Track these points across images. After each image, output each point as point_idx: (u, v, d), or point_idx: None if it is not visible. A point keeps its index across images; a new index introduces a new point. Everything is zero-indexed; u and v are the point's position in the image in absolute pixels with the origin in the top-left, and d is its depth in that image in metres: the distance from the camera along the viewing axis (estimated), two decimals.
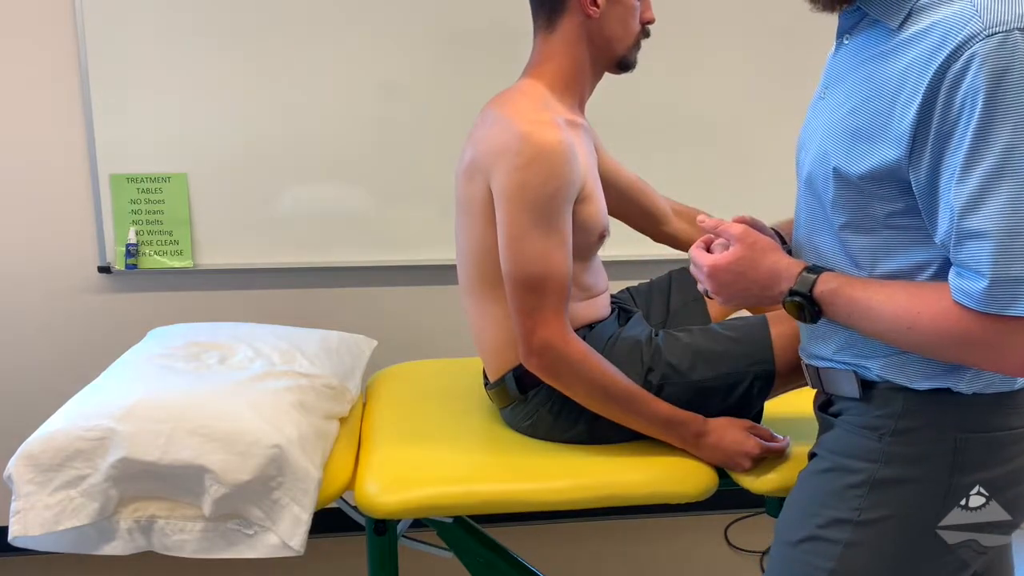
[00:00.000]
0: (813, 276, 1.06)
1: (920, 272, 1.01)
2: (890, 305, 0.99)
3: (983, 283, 0.90)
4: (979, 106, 0.88)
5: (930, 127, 0.92)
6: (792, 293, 1.07)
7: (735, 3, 2.31)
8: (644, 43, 1.52)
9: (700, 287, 1.18)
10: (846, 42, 1.08)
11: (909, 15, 0.96)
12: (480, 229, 1.42)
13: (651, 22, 1.50)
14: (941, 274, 0.99)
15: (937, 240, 0.97)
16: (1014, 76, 0.87)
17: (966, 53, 0.88)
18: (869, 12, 1.01)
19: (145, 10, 2.10)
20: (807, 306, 1.06)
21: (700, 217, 1.18)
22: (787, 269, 1.09)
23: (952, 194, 0.92)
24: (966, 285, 0.92)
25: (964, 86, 0.89)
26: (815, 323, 1.08)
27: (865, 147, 0.99)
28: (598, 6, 1.43)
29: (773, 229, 1.25)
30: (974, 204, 0.90)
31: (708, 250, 1.17)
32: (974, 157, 0.89)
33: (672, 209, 1.76)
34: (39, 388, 2.26)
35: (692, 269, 1.18)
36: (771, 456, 1.39)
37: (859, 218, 1.03)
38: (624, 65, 1.50)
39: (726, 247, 1.13)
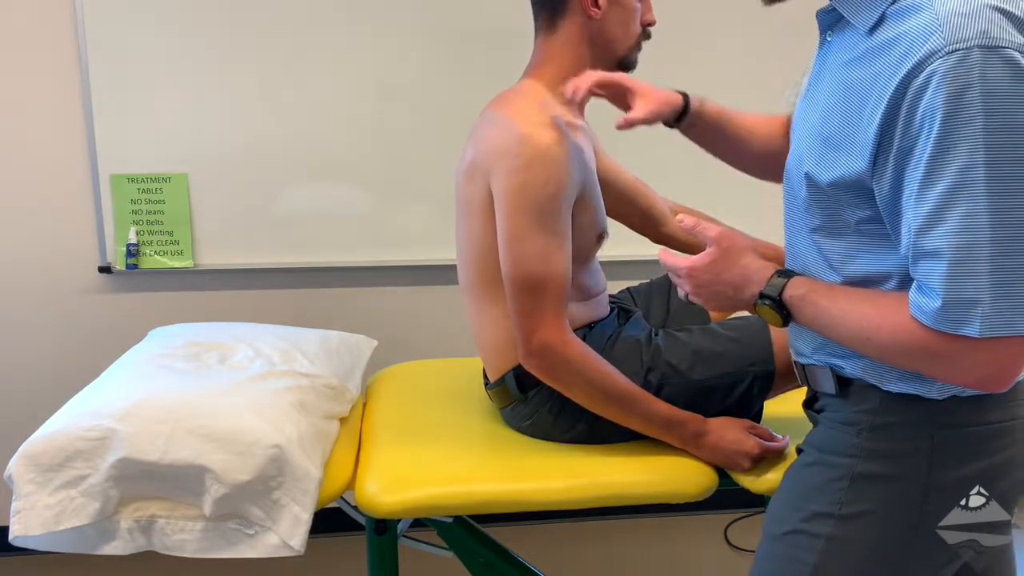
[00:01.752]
0: (783, 280, 1.07)
1: (890, 277, 1.01)
2: (852, 314, 1.00)
3: (937, 302, 0.90)
4: (937, 124, 0.87)
5: (893, 141, 0.92)
6: (762, 296, 1.08)
7: (736, 4, 2.31)
8: (645, 44, 1.52)
9: (680, 292, 1.18)
10: (829, 39, 1.07)
11: (881, 20, 0.95)
12: (480, 229, 1.43)
13: (652, 24, 1.51)
14: (907, 284, 0.98)
15: (901, 252, 0.97)
16: (972, 95, 0.85)
17: (927, 69, 0.87)
18: (842, 12, 1.01)
19: (145, 10, 2.11)
20: (776, 310, 1.07)
21: (680, 216, 1.18)
22: (758, 272, 1.09)
23: (911, 212, 0.91)
24: (923, 302, 0.92)
25: (924, 103, 0.88)
26: (786, 326, 1.09)
27: (834, 155, 0.99)
28: (599, 7, 1.43)
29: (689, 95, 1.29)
30: (929, 223, 0.89)
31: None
32: (931, 176, 0.89)
33: (671, 210, 1.76)
34: (39, 388, 2.26)
35: (670, 275, 1.18)
36: (770, 456, 1.39)
37: (830, 222, 1.04)
38: (625, 66, 1.51)
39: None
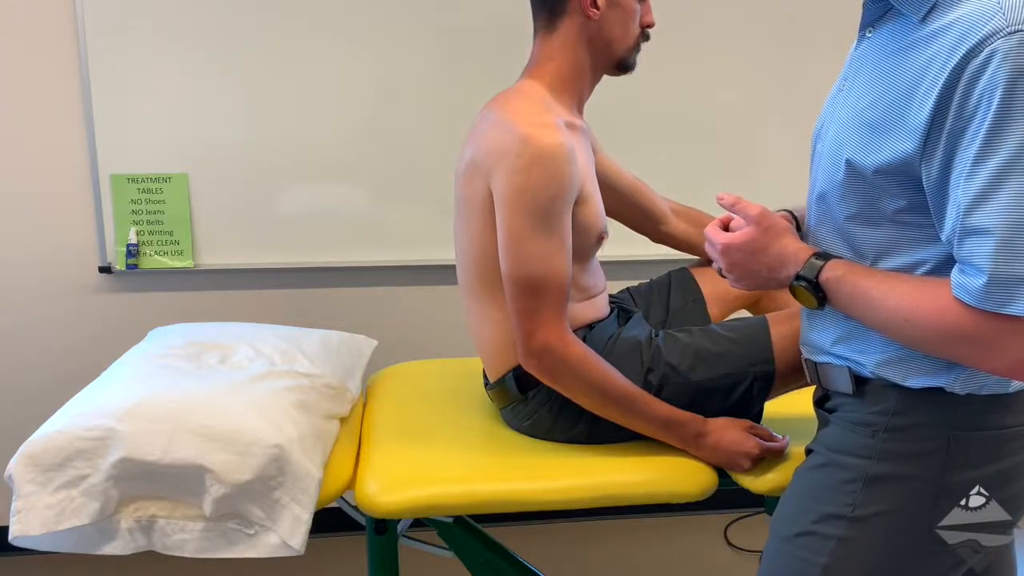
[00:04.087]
0: (820, 263, 1.07)
1: (919, 269, 1.02)
2: (891, 296, 1.00)
3: (982, 279, 0.90)
4: (995, 102, 0.87)
5: (945, 122, 0.92)
6: (799, 278, 1.08)
7: (735, 4, 2.31)
8: (644, 44, 1.52)
9: (714, 265, 1.18)
10: (868, 35, 1.08)
11: (934, 8, 0.96)
12: (479, 229, 1.43)
13: (651, 26, 1.50)
14: (938, 273, 0.99)
15: (943, 237, 0.97)
16: None
17: (987, 49, 0.88)
18: (893, 4, 1.01)
19: (145, 10, 2.11)
20: (813, 292, 1.07)
21: (720, 194, 1.17)
22: (795, 254, 1.10)
23: (960, 190, 0.91)
24: (966, 281, 0.92)
25: (982, 82, 0.88)
26: (821, 309, 1.09)
27: (880, 140, 0.99)
28: (598, 8, 1.43)
29: (788, 211, 1.25)
30: (980, 200, 0.90)
31: (727, 229, 1.17)
32: (985, 153, 0.89)
33: (671, 209, 1.76)
34: (39, 388, 2.26)
35: (707, 246, 1.18)
36: (771, 456, 1.39)
37: (867, 211, 1.04)
38: (624, 67, 1.51)
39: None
